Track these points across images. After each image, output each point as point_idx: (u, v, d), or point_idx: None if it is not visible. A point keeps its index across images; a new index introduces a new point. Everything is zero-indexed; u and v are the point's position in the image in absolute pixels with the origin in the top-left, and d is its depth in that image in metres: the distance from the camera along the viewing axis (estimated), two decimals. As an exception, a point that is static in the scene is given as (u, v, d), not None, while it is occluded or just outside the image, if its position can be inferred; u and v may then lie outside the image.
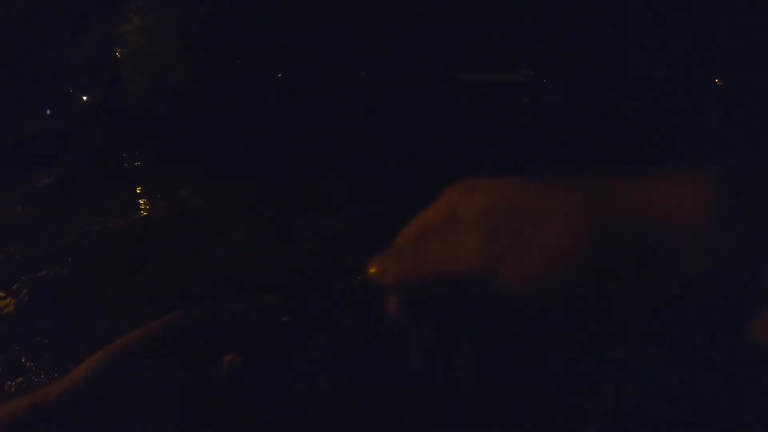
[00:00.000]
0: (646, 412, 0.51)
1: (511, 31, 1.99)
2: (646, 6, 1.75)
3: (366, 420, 0.49)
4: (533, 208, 0.34)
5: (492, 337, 0.40)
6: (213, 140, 2.29)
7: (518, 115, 2.15)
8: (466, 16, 2.01)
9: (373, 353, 0.49)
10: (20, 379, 1.09)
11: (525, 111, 2.16)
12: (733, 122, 1.53)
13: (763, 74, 1.38)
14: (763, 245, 0.28)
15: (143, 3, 2.72)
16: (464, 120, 2.07)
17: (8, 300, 1.32)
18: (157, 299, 1.29)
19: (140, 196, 2.07)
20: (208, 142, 2.28)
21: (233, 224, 1.69)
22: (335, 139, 2.19)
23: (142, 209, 1.95)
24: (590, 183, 0.34)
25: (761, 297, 0.28)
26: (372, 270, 0.42)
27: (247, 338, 0.46)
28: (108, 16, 2.74)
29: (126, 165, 2.29)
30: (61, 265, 1.47)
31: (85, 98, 2.83)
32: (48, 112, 2.79)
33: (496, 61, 2.04)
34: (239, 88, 2.61)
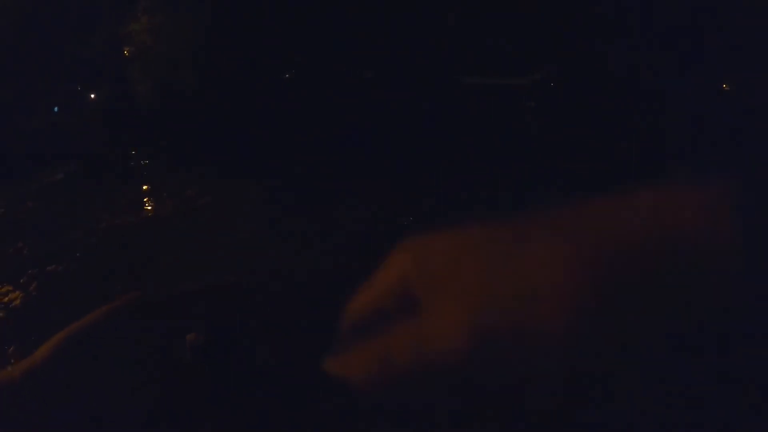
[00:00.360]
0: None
1: (517, 33, 2.00)
2: (653, 10, 1.75)
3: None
4: (510, 257, 0.29)
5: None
6: (220, 140, 2.31)
7: (524, 118, 2.15)
8: (472, 17, 2.02)
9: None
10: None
11: (531, 115, 2.16)
12: (738, 126, 1.54)
13: (764, 77, 1.39)
14: None
15: (151, 2, 2.74)
16: (468, 123, 2.08)
17: (16, 293, 1.34)
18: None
19: (147, 194, 2.09)
20: (215, 141, 2.30)
21: (240, 225, 1.70)
22: (340, 139, 2.20)
23: (148, 208, 1.97)
24: (570, 211, 0.30)
25: None
26: (330, 370, 0.36)
27: (208, 317, 0.48)
28: (116, 14, 2.76)
29: (133, 163, 2.31)
30: (69, 261, 1.48)
31: (92, 96, 2.85)
32: (55, 109, 2.81)
33: (502, 64, 2.05)
34: (245, 88, 2.62)
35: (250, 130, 2.49)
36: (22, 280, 1.42)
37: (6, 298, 1.34)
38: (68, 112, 2.76)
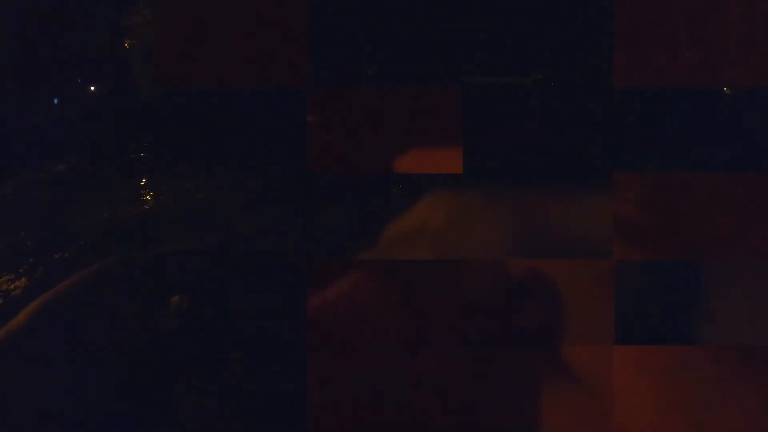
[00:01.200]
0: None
1: (520, 34, 2.01)
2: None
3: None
4: (478, 221, 0.44)
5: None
6: (219, 133, 2.32)
7: (525, 118, 2.17)
8: (476, 18, 2.03)
9: None
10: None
11: (532, 114, 2.17)
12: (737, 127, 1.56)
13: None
14: None
15: (153, -4, 2.75)
16: (473, 122, 2.09)
17: (20, 281, 1.35)
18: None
19: (146, 186, 2.10)
20: (215, 134, 2.31)
21: (237, 218, 1.71)
22: (340, 136, 2.21)
23: (147, 200, 1.98)
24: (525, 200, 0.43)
25: None
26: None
27: (193, 280, 0.49)
28: (118, 7, 2.76)
29: (133, 156, 2.32)
30: (71, 250, 1.50)
31: (92, 88, 2.85)
32: (56, 101, 2.81)
33: (504, 64, 2.06)
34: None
35: (249, 125, 2.49)
36: (21, 269, 1.43)
37: (12, 285, 1.35)
38: (69, 105, 2.76)
